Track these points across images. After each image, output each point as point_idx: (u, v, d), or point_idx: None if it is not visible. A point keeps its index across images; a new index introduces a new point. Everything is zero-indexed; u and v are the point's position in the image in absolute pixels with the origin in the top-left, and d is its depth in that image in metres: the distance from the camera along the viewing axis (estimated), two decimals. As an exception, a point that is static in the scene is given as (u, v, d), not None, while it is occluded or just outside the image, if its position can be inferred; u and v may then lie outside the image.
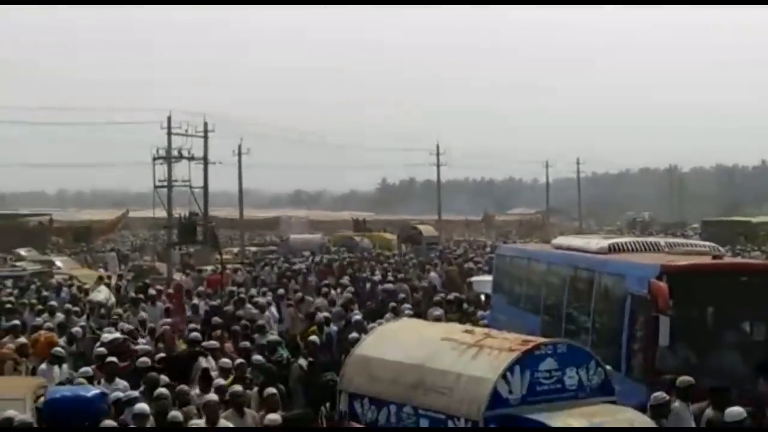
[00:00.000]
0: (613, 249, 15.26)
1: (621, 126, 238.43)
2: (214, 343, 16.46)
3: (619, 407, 8.74)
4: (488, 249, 45.90)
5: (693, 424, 10.12)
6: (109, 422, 10.24)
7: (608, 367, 10.91)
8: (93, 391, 11.85)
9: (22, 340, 16.75)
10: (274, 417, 9.54)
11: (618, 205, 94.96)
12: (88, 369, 13.75)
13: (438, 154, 78.41)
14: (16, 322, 19.46)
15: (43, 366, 14.70)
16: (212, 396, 11.62)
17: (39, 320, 20.26)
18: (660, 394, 10.25)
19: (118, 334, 17.38)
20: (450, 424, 8.24)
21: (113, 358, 14.16)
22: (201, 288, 27.98)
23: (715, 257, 15.03)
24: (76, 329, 18.71)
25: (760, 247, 35.07)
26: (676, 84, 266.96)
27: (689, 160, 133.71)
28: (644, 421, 8.66)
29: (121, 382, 13.13)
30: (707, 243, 18.00)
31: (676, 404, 10.26)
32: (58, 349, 15.52)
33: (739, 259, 16.51)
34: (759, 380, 11.10)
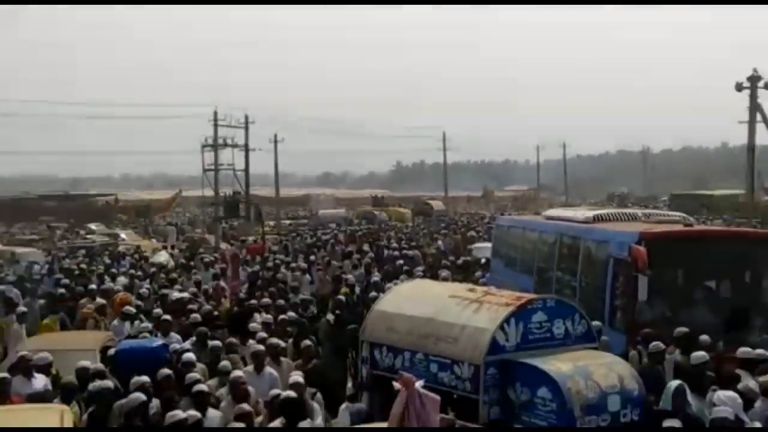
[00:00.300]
0: (597, 219, 15.27)
1: (601, 113, 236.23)
2: (267, 301, 16.54)
3: (600, 353, 8.90)
4: (487, 220, 45.76)
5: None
6: (166, 371, 10.21)
7: (596, 323, 11.03)
8: (156, 342, 12.08)
9: (101, 301, 16.78)
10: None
11: (599, 182, 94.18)
12: (147, 325, 13.88)
13: (444, 141, 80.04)
14: (93, 286, 19.50)
15: (115, 322, 14.88)
16: (259, 346, 11.62)
17: (110, 284, 20.34)
18: (657, 344, 10.38)
19: (183, 294, 17.62)
20: (455, 367, 8.34)
21: (167, 317, 14.23)
22: (242, 256, 27.82)
23: (686, 225, 15.14)
24: (143, 290, 18.98)
25: (721, 216, 34.77)
26: (649, 77, 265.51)
27: (660, 142, 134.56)
28: (622, 365, 8.69)
29: (175, 336, 13.15)
30: (677, 213, 18.03)
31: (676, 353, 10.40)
32: (128, 307, 15.61)
33: (705, 227, 16.51)
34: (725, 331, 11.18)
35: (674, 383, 9.13)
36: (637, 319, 11.71)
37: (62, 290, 18.93)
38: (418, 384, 4.75)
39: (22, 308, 16.22)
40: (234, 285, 19.87)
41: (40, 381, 10.38)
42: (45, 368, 10.75)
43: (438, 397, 4.82)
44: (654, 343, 10.51)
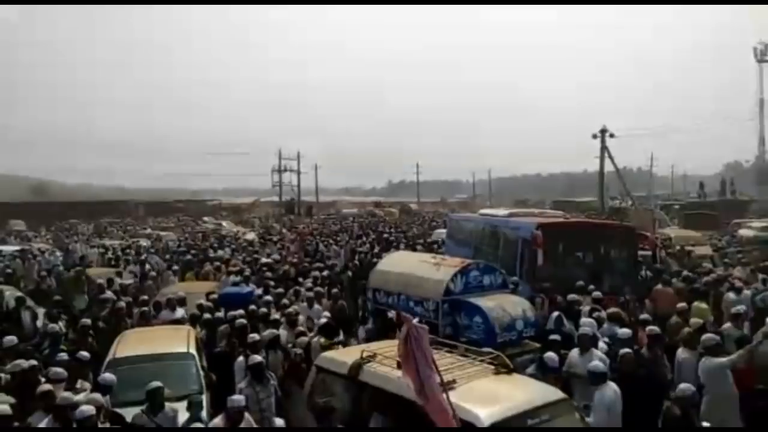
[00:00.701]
0: (511, 215, 15.21)
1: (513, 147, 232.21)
2: (320, 265, 16.54)
3: (511, 295, 8.89)
4: (444, 216, 45.90)
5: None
6: (252, 307, 9.97)
7: (513, 278, 10.99)
8: (247, 289, 11.94)
9: (217, 264, 16.85)
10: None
11: (510, 192, 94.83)
12: (237, 278, 13.56)
13: (417, 167, 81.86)
14: (212, 254, 19.29)
15: (224, 277, 14.66)
16: (309, 293, 11.31)
17: (220, 253, 20.06)
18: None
19: (267, 260, 17.40)
20: (424, 303, 8.48)
21: (247, 273, 14.20)
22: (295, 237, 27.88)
23: (564, 218, 15.31)
24: (239, 257, 18.94)
25: (583, 214, 35.04)
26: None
27: (547, 168, 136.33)
28: (524, 302, 8.72)
29: (252, 285, 12.63)
30: (558, 212, 18.29)
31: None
32: (231, 268, 15.50)
33: (575, 219, 16.58)
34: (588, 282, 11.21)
35: (555, 313, 9.30)
36: (537, 276, 11.62)
37: (191, 257, 18.96)
38: (415, 320, 4.61)
39: (175, 267, 16.61)
40: (297, 255, 19.71)
41: (179, 312, 10.34)
42: (182, 302, 10.73)
43: (426, 327, 4.68)
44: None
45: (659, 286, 11.77)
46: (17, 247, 24.52)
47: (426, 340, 4.53)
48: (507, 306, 8.16)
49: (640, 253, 12.99)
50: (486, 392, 5.06)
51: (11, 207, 55.46)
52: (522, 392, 5.22)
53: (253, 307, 10.01)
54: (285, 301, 11.19)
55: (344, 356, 6.16)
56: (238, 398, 5.64)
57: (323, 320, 9.09)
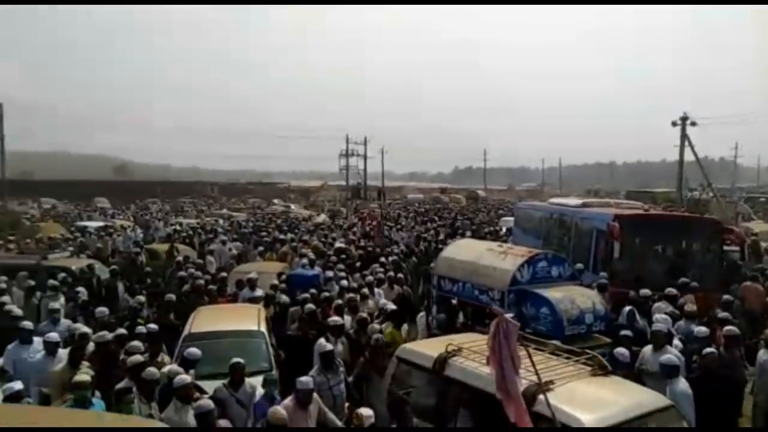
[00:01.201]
0: (584, 205, 14.82)
1: (584, 134, 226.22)
2: (387, 250, 16.67)
3: (580, 287, 8.59)
4: (511, 204, 45.07)
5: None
6: (312, 291, 10.16)
7: (580, 265, 10.88)
8: (312, 271, 12.22)
9: (294, 245, 17.12)
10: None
11: (581, 181, 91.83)
12: (305, 261, 13.80)
13: (485, 154, 79.95)
14: (283, 237, 19.46)
15: (297, 259, 14.95)
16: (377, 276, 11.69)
17: (290, 236, 20.37)
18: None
19: (341, 245, 17.60)
20: (489, 292, 8.30)
21: (313, 256, 14.44)
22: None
23: (645, 210, 14.68)
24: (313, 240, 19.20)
25: (659, 205, 33.42)
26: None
27: (622, 157, 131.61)
28: (595, 294, 8.47)
29: (317, 269, 12.81)
30: (635, 203, 17.49)
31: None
32: (303, 250, 15.88)
33: (654, 211, 15.89)
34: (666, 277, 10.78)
35: (627, 308, 9.01)
36: (613, 269, 11.27)
37: (266, 238, 19.54)
38: (508, 315, 4.43)
39: (260, 247, 17.11)
40: (377, 240, 19.71)
41: (258, 291, 10.59)
42: (256, 283, 10.97)
43: (518, 324, 4.46)
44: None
45: (748, 283, 11.32)
46: (101, 223, 26.09)
47: (515, 337, 4.39)
48: (576, 298, 7.90)
49: (727, 248, 12.32)
50: (588, 395, 4.79)
51: (96, 185, 59.03)
52: (627, 397, 4.91)
53: (313, 291, 10.16)
54: (347, 284, 11.36)
55: (427, 349, 6.05)
56: (306, 380, 5.76)
57: (387, 306, 9.17)
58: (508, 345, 4.32)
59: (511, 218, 23.16)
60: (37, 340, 7.43)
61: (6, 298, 9.90)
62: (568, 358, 5.45)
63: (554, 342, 6.18)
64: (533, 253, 8.62)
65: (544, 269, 8.38)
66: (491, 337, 4.44)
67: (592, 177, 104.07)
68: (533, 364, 4.40)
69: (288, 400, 5.66)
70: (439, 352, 5.69)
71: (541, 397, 4.57)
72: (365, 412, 4.94)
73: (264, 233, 21.31)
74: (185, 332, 7.90)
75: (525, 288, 8.10)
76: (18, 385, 5.47)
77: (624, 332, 7.56)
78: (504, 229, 22.65)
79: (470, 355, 5.49)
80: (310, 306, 8.95)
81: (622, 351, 6.67)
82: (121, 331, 7.67)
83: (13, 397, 5.30)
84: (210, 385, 6.35)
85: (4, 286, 10.90)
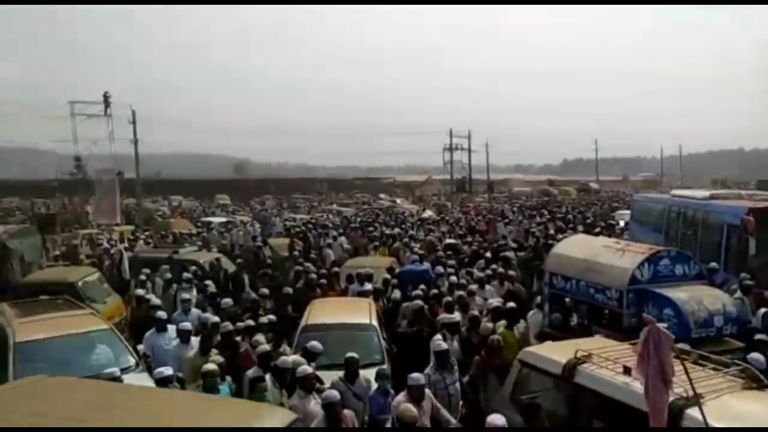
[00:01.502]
0: (712, 197, 13.78)
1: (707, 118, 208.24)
2: (496, 245, 16.41)
3: (704, 286, 8.00)
4: (627, 196, 42.60)
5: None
6: (422, 286, 10.23)
7: (714, 264, 10.34)
8: (422, 267, 12.29)
9: (406, 240, 17.23)
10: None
11: (704, 170, 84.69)
12: (416, 256, 13.83)
13: (596, 144, 76.80)
14: (390, 232, 19.70)
15: (408, 254, 15.02)
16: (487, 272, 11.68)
17: (397, 230, 20.47)
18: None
19: (452, 241, 17.48)
20: (607, 291, 7.99)
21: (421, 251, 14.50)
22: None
23: (781, 203, 13.38)
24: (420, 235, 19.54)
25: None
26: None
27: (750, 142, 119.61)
28: (725, 295, 7.90)
29: (427, 264, 12.77)
30: (769, 194, 15.97)
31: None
32: (413, 244, 16.23)
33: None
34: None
35: (763, 310, 8.30)
36: (749, 266, 10.44)
37: (374, 233, 20.02)
38: (661, 326, 4.14)
39: (375, 243, 17.58)
40: (490, 235, 19.55)
41: (367, 285, 10.80)
42: (370, 278, 11.22)
43: (672, 336, 4.18)
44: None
45: None
46: (224, 219, 27.91)
47: (667, 347, 4.13)
48: (704, 299, 7.41)
49: None
50: (747, 412, 4.36)
51: (217, 183, 63.28)
52: None
53: (423, 287, 10.23)
54: (456, 280, 11.26)
55: (554, 353, 5.85)
56: (417, 375, 5.83)
57: (495, 303, 9.05)
58: (657, 355, 4.10)
59: (628, 211, 21.97)
60: (171, 329, 8.15)
61: (141, 291, 10.90)
62: (715, 368, 5.06)
63: (698, 351, 5.74)
64: (654, 250, 8.19)
65: (667, 267, 7.93)
66: (641, 346, 4.22)
67: (716, 166, 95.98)
68: (689, 377, 4.13)
69: (401, 396, 5.77)
70: (567, 357, 5.49)
71: (689, 411, 4.28)
72: (498, 421, 4.85)
73: (371, 228, 21.73)
74: (302, 324, 8.29)
75: (646, 287, 7.71)
76: (168, 371, 6.10)
77: (759, 336, 6.98)
78: (622, 223, 21.51)
79: (602, 362, 5.28)
80: (418, 302, 9.03)
81: (756, 356, 6.14)
82: (249, 322, 8.18)
83: (164, 381, 5.92)
84: (325, 375, 6.62)
85: (144, 278, 12.00)
